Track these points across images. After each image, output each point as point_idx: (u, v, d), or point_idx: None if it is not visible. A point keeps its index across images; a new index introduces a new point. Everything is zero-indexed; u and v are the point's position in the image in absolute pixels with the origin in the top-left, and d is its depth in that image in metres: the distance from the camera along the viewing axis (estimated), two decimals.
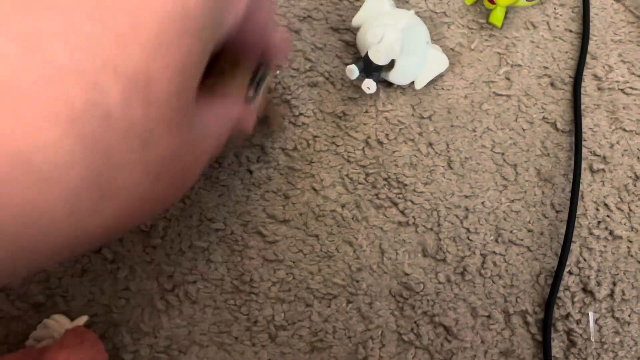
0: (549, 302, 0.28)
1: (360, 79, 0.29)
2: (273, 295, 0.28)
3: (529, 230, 0.30)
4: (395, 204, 0.29)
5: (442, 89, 0.31)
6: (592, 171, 0.31)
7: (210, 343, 0.27)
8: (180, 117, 0.15)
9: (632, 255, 0.30)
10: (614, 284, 0.29)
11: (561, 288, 0.29)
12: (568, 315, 0.29)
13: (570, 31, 0.33)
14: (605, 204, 0.30)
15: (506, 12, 0.32)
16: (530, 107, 0.31)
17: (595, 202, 0.30)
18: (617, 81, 0.32)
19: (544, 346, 0.28)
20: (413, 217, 0.29)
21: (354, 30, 0.31)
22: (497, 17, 0.32)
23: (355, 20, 0.30)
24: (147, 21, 0.13)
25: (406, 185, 0.29)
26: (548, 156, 0.31)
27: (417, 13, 0.31)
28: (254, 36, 0.19)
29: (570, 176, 0.30)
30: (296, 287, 0.28)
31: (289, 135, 0.29)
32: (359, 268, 0.28)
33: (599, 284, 0.29)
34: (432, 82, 0.30)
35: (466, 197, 0.30)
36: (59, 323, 0.25)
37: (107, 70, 0.12)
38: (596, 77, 0.32)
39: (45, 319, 0.25)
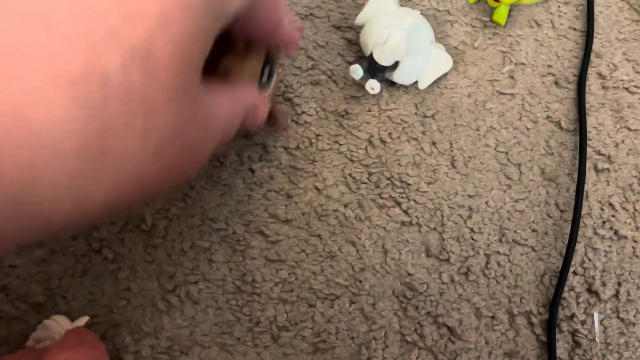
0: (554, 303, 0.28)
1: (364, 79, 0.29)
2: (275, 296, 0.27)
3: (534, 230, 0.29)
4: (399, 204, 0.29)
5: (446, 87, 0.31)
6: (597, 170, 0.30)
7: (212, 344, 0.27)
8: (183, 93, 0.15)
9: (637, 256, 0.29)
10: (619, 284, 0.29)
11: (566, 288, 0.29)
12: (573, 315, 0.28)
13: (575, 29, 0.33)
14: (610, 204, 0.30)
15: (510, 10, 0.32)
16: (534, 106, 0.31)
17: (600, 202, 0.30)
18: (622, 80, 0.32)
19: (549, 347, 0.27)
20: (416, 216, 0.29)
21: (357, 28, 0.31)
22: (501, 15, 0.31)
23: (359, 19, 0.30)
24: None
25: (409, 184, 0.29)
26: (552, 155, 0.31)
27: (420, 11, 0.31)
28: (263, 19, 0.20)
29: (575, 175, 0.30)
30: (299, 288, 0.28)
31: (291, 133, 0.29)
32: (362, 268, 0.28)
33: (604, 284, 0.29)
34: (436, 80, 0.30)
35: (470, 196, 0.29)
36: (59, 324, 0.25)
37: (109, 40, 0.12)
38: (601, 75, 0.32)
39: (46, 320, 0.25)
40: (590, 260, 0.29)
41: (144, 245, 0.27)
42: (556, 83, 0.32)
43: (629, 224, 0.30)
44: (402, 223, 0.29)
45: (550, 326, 0.28)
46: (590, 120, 0.31)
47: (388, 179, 0.29)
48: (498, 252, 0.29)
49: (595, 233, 0.30)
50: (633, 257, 0.29)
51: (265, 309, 0.27)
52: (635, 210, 0.30)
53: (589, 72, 0.32)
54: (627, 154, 0.31)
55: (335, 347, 0.27)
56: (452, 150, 0.30)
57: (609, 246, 0.29)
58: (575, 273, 0.29)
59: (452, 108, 0.31)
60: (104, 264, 0.27)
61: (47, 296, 0.26)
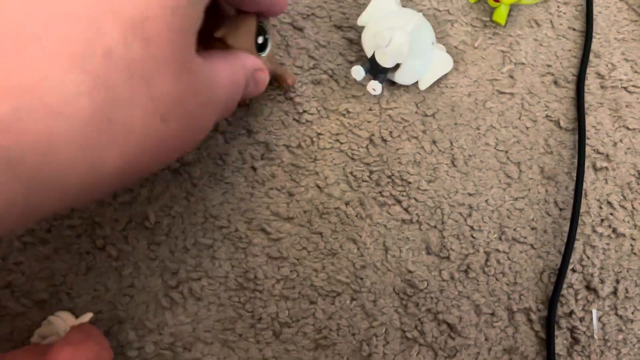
0: (553, 300, 0.28)
1: (366, 79, 0.29)
2: (277, 293, 0.28)
3: (533, 228, 0.30)
4: (399, 202, 0.29)
5: (446, 86, 0.31)
6: (596, 169, 0.31)
7: (215, 340, 0.27)
8: (180, 61, 0.15)
9: (635, 253, 0.30)
10: (617, 281, 0.29)
11: (565, 286, 0.29)
12: (571, 312, 0.29)
13: (574, 29, 0.33)
14: (609, 202, 0.30)
15: (510, 10, 0.33)
16: (533, 105, 0.31)
17: (598, 200, 0.30)
18: (621, 79, 0.32)
19: (548, 343, 0.28)
20: (417, 214, 0.29)
21: (358, 28, 0.31)
22: (500, 15, 0.32)
23: (361, 19, 0.30)
24: None
25: (410, 183, 0.29)
26: (551, 154, 0.31)
27: (420, 11, 0.31)
28: None
29: (574, 174, 0.30)
30: (300, 285, 0.28)
31: (292, 132, 0.29)
32: (363, 265, 0.28)
33: (602, 281, 0.29)
34: (436, 80, 0.30)
35: (470, 195, 0.30)
36: (63, 320, 0.25)
37: (107, 15, 0.13)
38: (599, 75, 0.32)
39: (50, 316, 0.25)
40: (588, 257, 0.29)
41: (147, 242, 0.27)
42: (555, 82, 0.32)
43: (627, 222, 0.30)
44: (403, 221, 0.29)
45: (549, 323, 0.28)
46: (589, 120, 0.31)
47: (389, 177, 0.29)
48: (498, 250, 0.29)
49: (594, 231, 0.30)
50: (631, 255, 0.30)
51: (267, 305, 0.27)
52: (634, 208, 0.30)
53: (587, 71, 0.32)
54: (626, 153, 0.31)
55: (337, 344, 0.27)
56: (452, 149, 0.30)
57: (607, 244, 0.30)
58: (573, 270, 0.29)
59: (453, 107, 0.31)
60: (107, 261, 0.27)
61: (51, 293, 0.26)
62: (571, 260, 0.29)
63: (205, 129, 0.19)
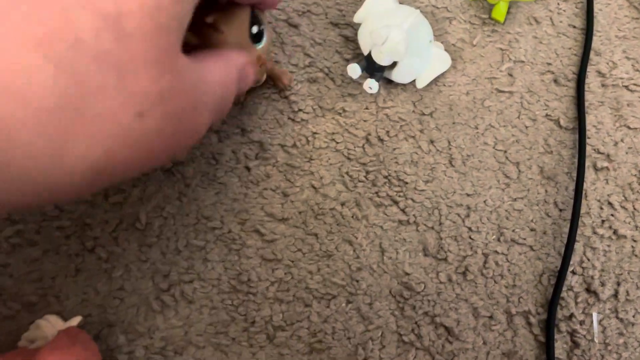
0: (552, 303, 0.28)
1: (362, 78, 0.28)
2: (271, 295, 0.27)
3: (532, 229, 0.29)
4: (396, 202, 0.29)
5: (444, 85, 0.31)
6: (596, 169, 0.30)
7: (207, 344, 0.26)
8: (161, 55, 0.15)
9: (636, 255, 0.29)
10: (618, 284, 0.29)
11: (564, 288, 0.28)
12: (571, 315, 0.28)
13: (574, 27, 0.32)
14: (609, 203, 0.30)
15: (509, 8, 0.32)
16: (533, 104, 0.31)
17: (599, 201, 0.30)
18: (622, 78, 0.32)
19: (547, 347, 0.27)
20: (414, 215, 0.29)
21: (354, 26, 0.30)
22: (499, 12, 0.31)
23: (357, 17, 0.29)
24: None
25: (407, 183, 0.29)
26: (551, 154, 0.30)
27: (418, 8, 0.30)
28: None
29: (574, 174, 0.30)
30: (295, 287, 0.27)
31: (287, 131, 0.29)
32: (359, 267, 0.28)
33: (602, 284, 0.29)
34: (434, 78, 0.30)
35: (468, 195, 0.29)
36: (51, 323, 0.25)
37: (79, 6, 0.13)
38: (600, 73, 0.32)
39: (38, 320, 0.25)
40: (589, 259, 0.29)
41: (138, 244, 0.27)
42: (555, 81, 0.31)
43: (628, 223, 0.30)
44: (400, 222, 0.29)
45: (549, 326, 0.27)
46: (590, 119, 0.31)
47: (385, 177, 0.29)
48: (496, 252, 0.29)
49: (594, 232, 0.29)
50: (632, 257, 0.29)
51: (261, 308, 0.27)
52: (635, 209, 0.30)
53: (588, 70, 0.32)
54: (627, 153, 0.31)
55: (332, 347, 0.27)
56: (450, 149, 0.30)
57: (608, 245, 0.29)
58: (574, 273, 0.29)
59: (451, 106, 0.30)
60: (97, 263, 0.26)
61: (39, 296, 0.26)
62: (571, 262, 0.29)
63: (198, 132, 0.18)
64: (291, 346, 0.27)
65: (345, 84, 0.30)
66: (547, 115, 0.31)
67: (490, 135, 0.30)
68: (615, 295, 0.29)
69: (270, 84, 0.29)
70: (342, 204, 0.28)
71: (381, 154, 0.29)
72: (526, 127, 0.31)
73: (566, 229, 0.29)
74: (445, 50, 0.30)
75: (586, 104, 0.31)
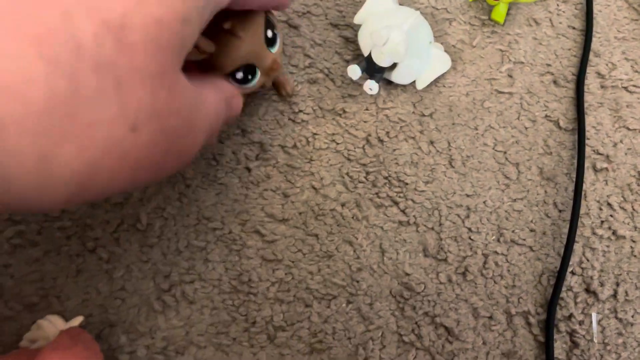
0: (552, 303, 0.28)
1: (362, 78, 0.28)
2: (272, 296, 0.27)
3: (532, 230, 0.29)
4: (396, 203, 0.29)
5: (444, 86, 0.31)
6: (595, 170, 0.30)
7: (208, 344, 0.26)
8: (161, 72, 0.15)
9: (635, 256, 0.29)
10: (617, 284, 0.29)
11: (564, 288, 0.29)
12: (571, 316, 0.28)
13: (573, 28, 0.33)
14: (609, 204, 0.30)
15: (509, 9, 0.32)
16: (532, 105, 0.31)
17: (598, 202, 0.30)
18: (621, 79, 0.32)
19: (547, 347, 0.27)
20: (414, 216, 0.29)
21: (354, 27, 0.31)
22: (499, 13, 0.31)
23: (357, 18, 0.29)
24: None
25: (407, 184, 0.29)
26: (551, 155, 0.30)
27: (418, 9, 0.31)
28: None
29: (573, 175, 0.30)
30: (295, 288, 0.27)
31: (288, 132, 0.29)
32: (359, 268, 0.28)
33: (602, 284, 0.29)
34: (434, 80, 0.30)
35: (468, 196, 0.29)
36: (53, 324, 0.25)
37: (81, 8, 0.13)
38: (599, 74, 0.32)
39: (39, 320, 0.25)
40: (588, 260, 0.29)
41: (139, 244, 0.27)
42: (555, 82, 0.32)
43: (627, 224, 0.30)
44: (400, 223, 0.29)
45: (548, 326, 0.28)
46: (589, 120, 0.31)
47: (385, 178, 0.29)
48: (496, 252, 0.29)
49: (594, 233, 0.29)
50: (631, 257, 0.29)
51: (262, 309, 0.27)
52: (634, 210, 0.30)
53: (587, 71, 0.32)
54: (626, 154, 0.31)
55: (332, 348, 0.27)
56: (450, 150, 0.30)
57: (607, 246, 0.29)
58: (573, 273, 0.29)
59: (450, 107, 0.30)
60: (98, 263, 0.27)
61: (41, 296, 0.26)
62: (570, 263, 0.29)
63: (188, 154, 0.18)
64: (292, 346, 0.27)
65: (346, 85, 0.30)
66: (546, 116, 0.31)
67: (490, 136, 0.30)
68: (615, 295, 0.29)
69: (273, 90, 0.29)
70: (343, 205, 0.29)
71: (381, 154, 0.29)
72: (526, 128, 0.31)
73: (565, 230, 0.29)
74: (445, 51, 0.30)
75: (585, 105, 0.31)
